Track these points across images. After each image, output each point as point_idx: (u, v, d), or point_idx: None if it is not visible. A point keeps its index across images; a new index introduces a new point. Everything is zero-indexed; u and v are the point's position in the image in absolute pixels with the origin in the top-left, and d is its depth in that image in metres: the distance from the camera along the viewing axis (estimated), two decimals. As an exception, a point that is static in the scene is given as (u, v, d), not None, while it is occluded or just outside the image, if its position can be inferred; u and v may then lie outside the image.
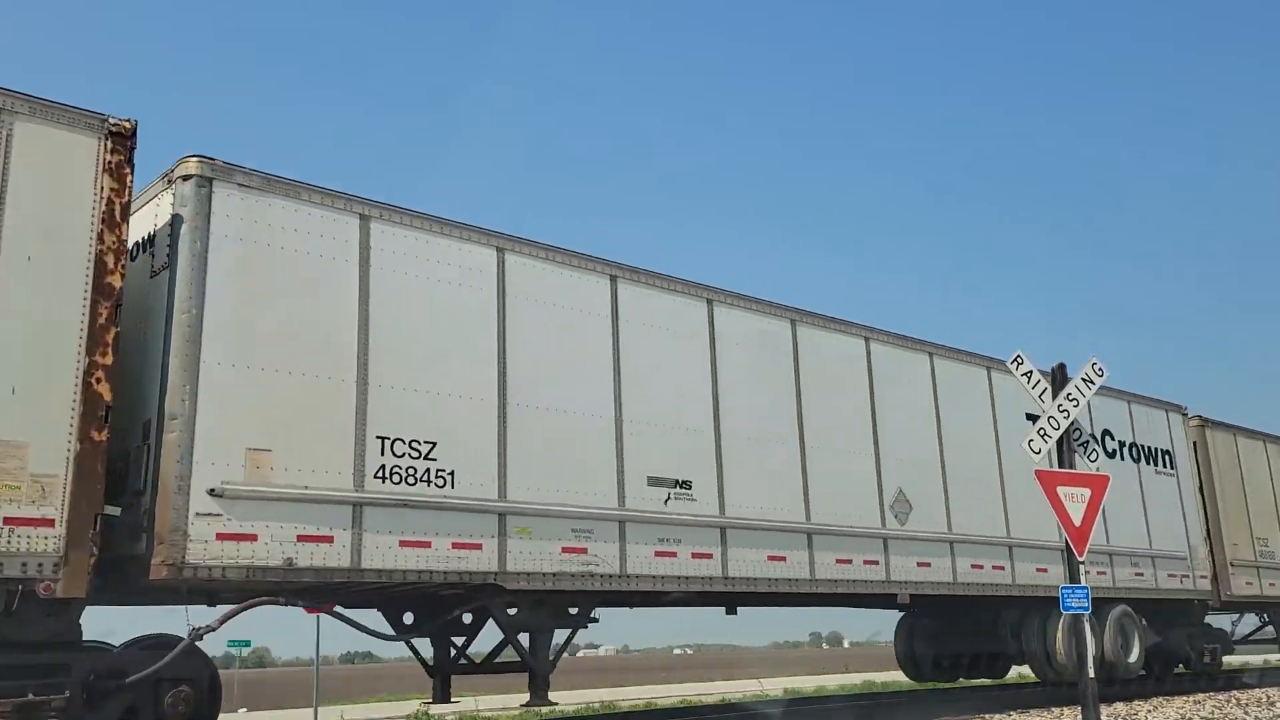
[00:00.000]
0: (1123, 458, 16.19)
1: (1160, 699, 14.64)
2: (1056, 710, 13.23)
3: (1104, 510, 13.38)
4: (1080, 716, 9.55)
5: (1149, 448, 16.86)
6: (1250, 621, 20.74)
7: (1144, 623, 15.67)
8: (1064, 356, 11.39)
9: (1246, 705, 13.70)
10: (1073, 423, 10.42)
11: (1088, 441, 11.47)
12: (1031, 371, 10.41)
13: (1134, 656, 15.30)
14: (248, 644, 34.33)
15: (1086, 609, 9.47)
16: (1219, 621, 19.26)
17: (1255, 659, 26.68)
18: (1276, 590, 18.49)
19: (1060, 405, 10.28)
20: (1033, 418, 13.61)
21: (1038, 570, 14.08)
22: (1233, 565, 17.58)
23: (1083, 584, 9.55)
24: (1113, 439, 16.09)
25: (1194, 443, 18.02)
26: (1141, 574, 15.80)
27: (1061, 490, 9.70)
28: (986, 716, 12.80)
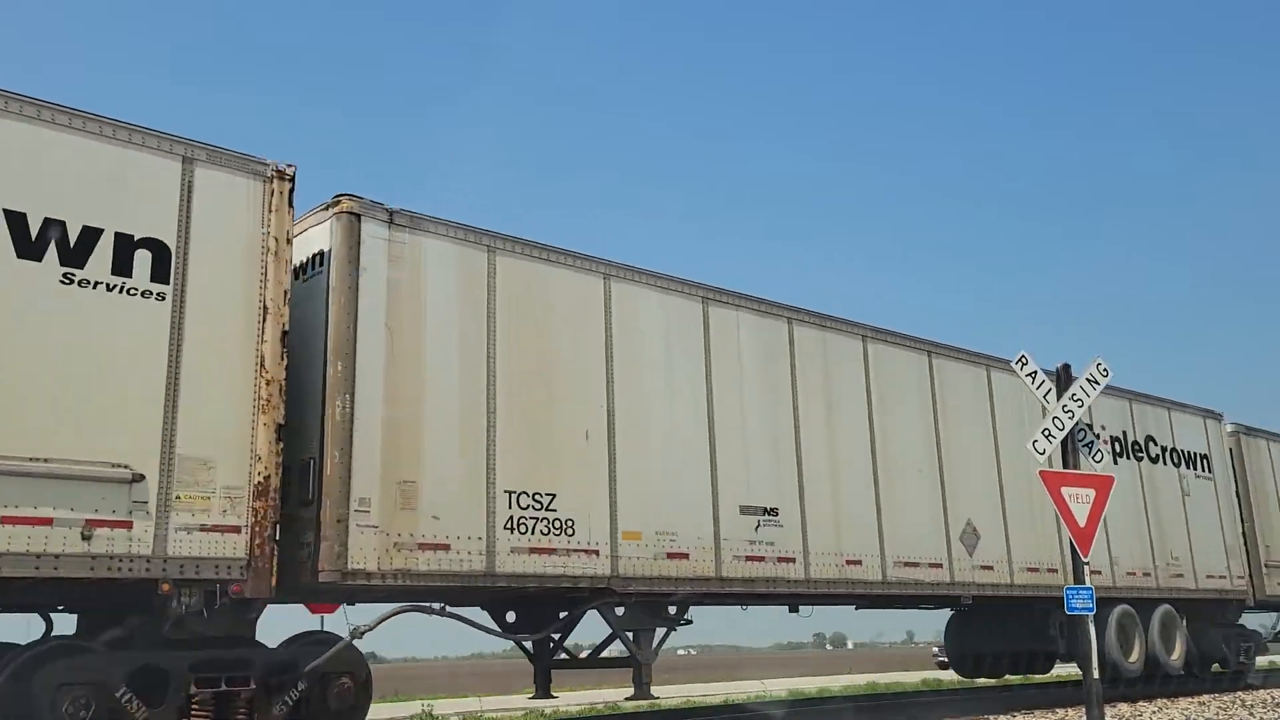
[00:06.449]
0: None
1: (1164, 699, 14.61)
2: (1060, 710, 13.24)
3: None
4: (1085, 716, 9.56)
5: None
6: None
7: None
8: (1065, 355, 11.52)
9: (1251, 706, 13.69)
10: (1077, 423, 10.39)
11: (1093, 445, 11.48)
12: (1036, 372, 10.38)
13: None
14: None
15: (1091, 610, 9.46)
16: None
17: None
18: None
19: (1065, 405, 10.24)
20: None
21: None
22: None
23: (1087, 585, 9.53)
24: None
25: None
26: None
27: (1066, 491, 9.66)
28: (989, 717, 12.81)
